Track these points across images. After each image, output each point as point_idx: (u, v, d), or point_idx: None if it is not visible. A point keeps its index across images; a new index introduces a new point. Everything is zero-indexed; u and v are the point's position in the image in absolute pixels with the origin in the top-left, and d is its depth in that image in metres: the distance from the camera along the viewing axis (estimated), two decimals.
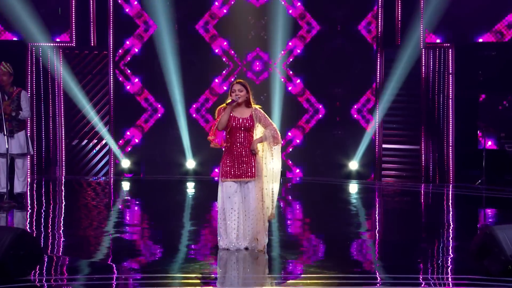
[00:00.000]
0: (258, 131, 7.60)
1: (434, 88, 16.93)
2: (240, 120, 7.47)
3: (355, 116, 17.55)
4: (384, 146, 17.35)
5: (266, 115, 7.65)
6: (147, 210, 12.02)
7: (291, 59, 17.66)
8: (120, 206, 12.39)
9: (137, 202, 13.19)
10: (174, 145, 17.86)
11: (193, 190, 15.67)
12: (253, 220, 7.42)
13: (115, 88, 17.91)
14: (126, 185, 16.38)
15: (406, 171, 17.25)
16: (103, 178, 17.57)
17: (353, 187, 16.21)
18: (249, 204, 7.40)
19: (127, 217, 10.91)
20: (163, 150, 17.96)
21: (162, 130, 18.01)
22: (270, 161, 7.51)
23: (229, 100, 7.50)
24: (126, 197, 14.09)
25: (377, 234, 9.48)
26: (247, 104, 7.59)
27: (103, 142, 18.02)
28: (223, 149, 7.58)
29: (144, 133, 18.00)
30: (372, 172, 17.41)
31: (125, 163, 17.88)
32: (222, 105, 7.54)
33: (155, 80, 17.87)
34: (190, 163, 17.90)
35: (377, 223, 10.71)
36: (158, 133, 18.01)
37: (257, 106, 7.64)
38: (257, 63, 17.70)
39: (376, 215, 11.74)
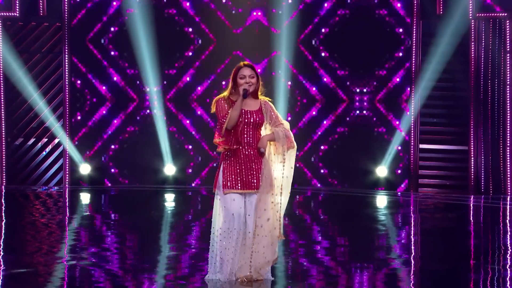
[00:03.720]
0: (264, 132, 7.51)
1: (487, 71, 16.91)
2: (249, 115, 7.38)
3: (384, 108, 17.56)
4: (422, 146, 17.34)
5: (278, 113, 7.60)
6: (114, 230, 12.00)
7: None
8: (77, 225, 12.37)
9: (100, 220, 13.17)
10: (149, 145, 17.86)
11: (173, 204, 15.63)
12: (259, 245, 7.34)
13: (71, 71, 17.89)
14: (85, 198, 16.34)
15: (450, 179, 17.24)
16: (55, 188, 17.55)
17: (382, 200, 16.16)
18: (254, 224, 7.31)
19: (87, 239, 10.89)
20: (135, 152, 17.96)
21: (133, 126, 18.01)
22: (282, 168, 7.44)
23: (225, 93, 7.39)
24: (86, 213, 14.06)
25: (413, 261, 9.47)
26: (255, 94, 7.53)
27: (56, 141, 18.01)
28: (225, 152, 7.40)
29: (110, 130, 18.00)
30: (405, 181, 17.41)
31: (85, 169, 17.86)
32: (221, 95, 7.43)
33: (122, 61, 17.87)
34: (169, 169, 17.89)
35: (412, 247, 10.70)
36: (128, 131, 18.00)
37: (266, 99, 7.58)
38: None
39: (412, 236, 11.73)
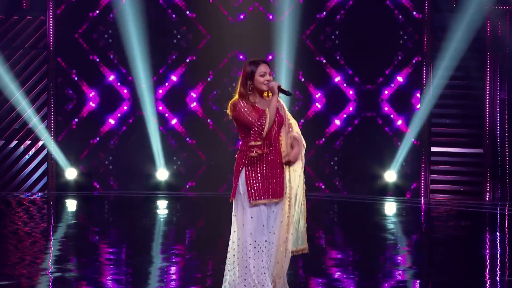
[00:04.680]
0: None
1: (504, 68, 16.89)
2: (276, 116, 7.31)
3: (392, 108, 17.54)
4: (433, 149, 17.31)
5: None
6: (102, 240, 11.99)
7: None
8: (63, 234, 12.36)
9: (87, 228, 13.16)
10: (141, 148, 17.84)
11: (166, 211, 15.63)
12: (279, 257, 7.29)
13: (57, 68, 17.87)
14: (72, 205, 16.31)
15: (464, 184, 17.21)
16: (39, 194, 17.52)
17: (390, 207, 16.14)
18: (274, 235, 7.22)
19: (74, 250, 10.89)
20: (125, 156, 17.94)
21: (123, 128, 18.00)
22: (301, 174, 7.33)
23: (237, 96, 7.24)
24: (72, 221, 14.05)
25: (423, 273, 9.47)
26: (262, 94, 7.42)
27: (40, 144, 17.99)
28: (250, 157, 7.24)
29: (98, 131, 18.00)
30: (416, 186, 17.39)
31: (71, 174, 17.84)
32: (236, 98, 7.27)
33: (109, 57, 17.87)
34: (162, 174, 17.87)
35: (424, 258, 10.69)
36: (118, 133, 18.00)
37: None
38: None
39: (422, 246, 11.72)
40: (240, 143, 7.22)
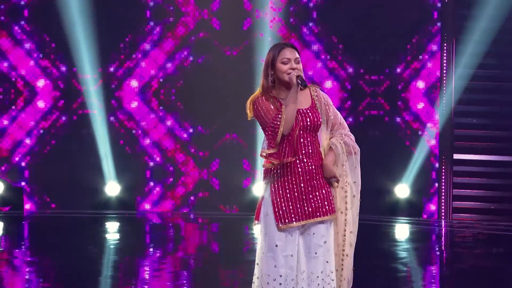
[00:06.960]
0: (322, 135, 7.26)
1: None
2: (303, 115, 7.14)
3: (404, 105, 17.59)
4: (456, 157, 17.33)
5: (334, 107, 7.35)
6: (35, 272, 11.92)
7: (291, 9, 17.80)
8: None
9: (15, 258, 13.09)
10: (85, 157, 17.83)
11: (118, 235, 15.65)
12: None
13: None
14: None
15: (495, 201, 17.23)
16: None
17: (402, 229, 16.15)
18: (320, 263, 7.13)
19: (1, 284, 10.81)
20: (65, 166, 17.91)
21: (62, 129, 17.95)
22: (347, 187, 7.21)
23: (259, 90, 7.14)
24: None
25: None
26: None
27: None
28: (275, 168, 7.12)
29: (31, 134, 17.95)
30: (435, 204, 17.43)
31: None
32: (256, 93, 7.18)
33: (45, 41, 17.84)
34: (112, 188, 17.84)
35: None
36: (56, 135, 17.95)
37: (315, 87, 7.37)
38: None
39: (443, 279, 11.71)
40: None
